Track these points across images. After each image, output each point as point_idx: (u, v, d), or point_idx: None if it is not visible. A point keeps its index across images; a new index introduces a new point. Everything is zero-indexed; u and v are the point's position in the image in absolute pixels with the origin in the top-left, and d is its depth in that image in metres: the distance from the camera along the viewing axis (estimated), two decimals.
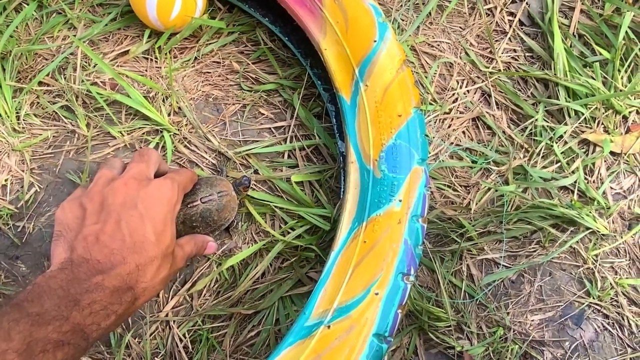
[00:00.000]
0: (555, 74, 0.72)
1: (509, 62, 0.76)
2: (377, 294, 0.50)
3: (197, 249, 0.55)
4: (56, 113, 0.70)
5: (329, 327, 0.50)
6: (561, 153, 0.68)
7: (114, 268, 0.43)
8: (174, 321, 0.61)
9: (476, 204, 0.65)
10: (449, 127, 0.71)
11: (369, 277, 0.51)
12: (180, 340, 0.60)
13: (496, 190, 0.66)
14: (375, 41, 0.60)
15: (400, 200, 0.54)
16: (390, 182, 0.55)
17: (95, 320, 0.41)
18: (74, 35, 0.73)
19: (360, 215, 0.55)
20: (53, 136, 0.69)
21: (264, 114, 0.71)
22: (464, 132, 0.71)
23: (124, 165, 0.53)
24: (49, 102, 0.70)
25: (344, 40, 0.61)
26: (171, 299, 0.62)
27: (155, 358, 0.60)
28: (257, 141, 0.69)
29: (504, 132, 0.71)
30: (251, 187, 0.64)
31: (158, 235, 0.47)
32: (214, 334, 0.61)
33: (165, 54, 0.72)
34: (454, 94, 0.73)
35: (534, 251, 0.64)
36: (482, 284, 0.62)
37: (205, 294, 0.63)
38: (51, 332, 0.39)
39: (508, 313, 0.61)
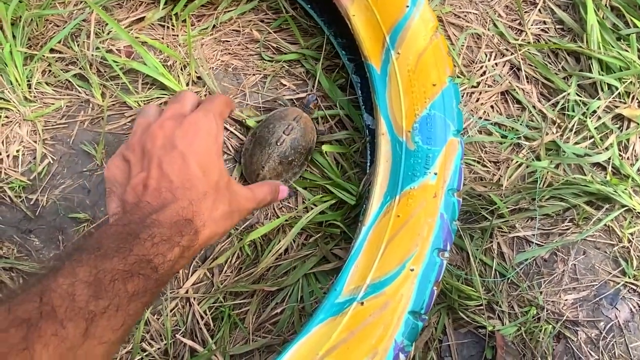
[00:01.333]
0: (588, 47, 0.69)
1: (539, 35, 0.73)
2: (412, 270, 0.48)
3: (270, 192, 0.53)
4: (69, 82, 0.67)
5: (362, 303, 0.48)
6: (595, 128, 0.66)
7: (167, 205, 0.42)
8: (194, 298, 0.59)
9: (507, 180, 0.63)
10: (477, 100, 0.69)
11: (403, 253, 0.49)
12: (202, 317, 0.58)
13: (528, 166, 0.64)
14: (407, 6, 0.57)
15: (435, 174, 0.52)
16: (425, 155, 0.52)
17: (159, 251, 0.39)
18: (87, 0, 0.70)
19: (393, 188, 0.52)
20: (66, 106, 0.66)
21: (285, 85, 0.68)
22: (492, 107, 0.69)
23: (159, 111, 0.52)
24: (61, 70, 0.67)
25: (373, 5, 0.58)
26: (191, 275, 0.60)
27: (176, 335, 0.58)
28: None
29: (534, 106, 0.68)
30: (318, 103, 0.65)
31: (204, 169, 0.46)
32: (236, 311, 0.59)
33: (183, 21, 0.69)
34: (482, 67, 0.71)
35: (568, 229, 0.61)
36: (514, 263, 0.60)
37: (226, 271, 0.60)
38: (117, 264, 0.37)
39: (541, 292, 0.59)
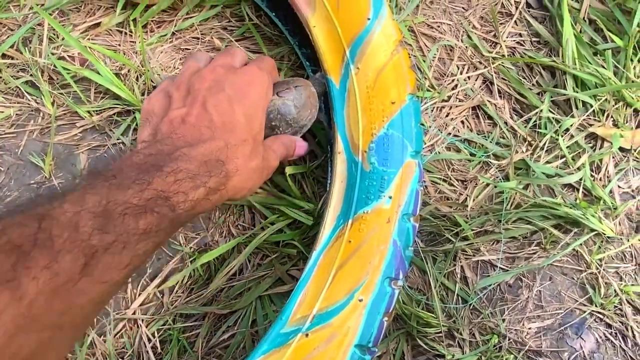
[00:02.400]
0: (563, 61, 0.67)
1: (514, 48, 0.71)
2: (361, 300, 0.46)
3: (285, 148, 0.52)
4: (19, 89, 0.64)
5: (307, 335, 0.45)
6: (567, 147, 0.63)
7: (203, 142, 0.41)
8: (142, 319, 0.56)
9: (473, 200, 0.61)
10: (446, 116, 0.66)
11: (353, 282, 0.46)
12: (149, 340, 0.56)
13: (495, 186, 0.61)
14: (369, 19, 0.54)
15: (390, 197, 0.49)
16: (380, 177, 0.50)
17: (181, 189, 0.37)
18: (42, 5, 0.67)
19: (346, 212, 0.50)
20: (16, 114, 0.63)
21: None
22: (462, 122, 0.66)
23: (209, 59, 0.51)
24: (12, 76, 0.64)
25: (334, 16, 0.56)
26: (139, 295, 0.57)
27: (121, 359, 0.55)
28: None
29: (506, 122, 0.65)
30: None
31: (248, 118, 0.45)
32: (186, 334, 0.56)
33: (143, 26, 0.66)
34: (453, 80, 0.68)
35: (534, 253, 0.59)
36: (477, 288, 0.57)
37: (177, 291, 0.58)
38: (131, 197, 0.34)
39: (504, 320, 0.56)
